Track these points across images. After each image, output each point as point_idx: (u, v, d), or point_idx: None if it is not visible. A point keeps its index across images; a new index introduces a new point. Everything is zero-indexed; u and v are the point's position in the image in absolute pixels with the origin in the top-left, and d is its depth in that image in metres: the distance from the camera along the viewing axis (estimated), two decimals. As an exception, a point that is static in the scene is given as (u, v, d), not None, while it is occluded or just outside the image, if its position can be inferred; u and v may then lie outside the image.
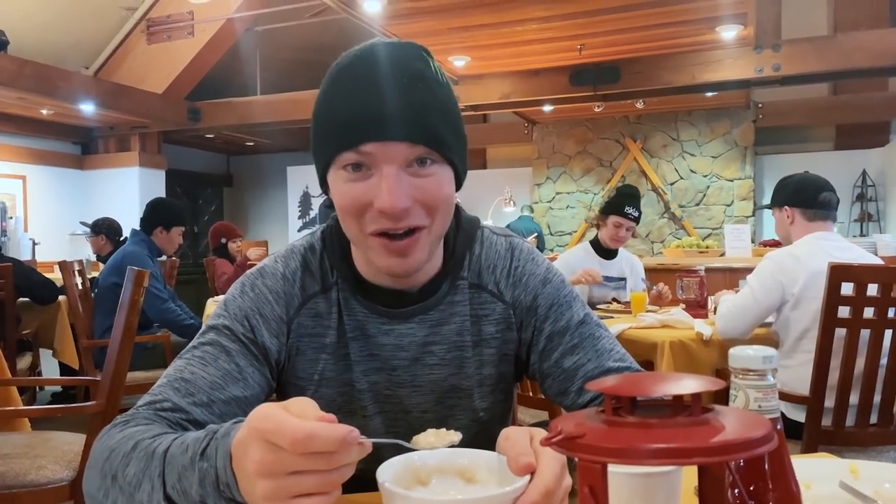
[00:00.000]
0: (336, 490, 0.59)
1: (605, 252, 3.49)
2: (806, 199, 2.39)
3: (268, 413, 0.58)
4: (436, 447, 0.68)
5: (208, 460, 0.65)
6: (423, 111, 0.84)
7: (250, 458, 0.58)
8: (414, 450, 0.69)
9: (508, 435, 0.67)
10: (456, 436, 0.69)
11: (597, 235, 3.54)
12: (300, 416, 0.58)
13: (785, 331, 2.30)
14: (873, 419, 2.09)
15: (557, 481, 0.62)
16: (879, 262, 2.28)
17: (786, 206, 2.44)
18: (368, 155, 0.83)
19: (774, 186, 2.58)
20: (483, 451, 0.73)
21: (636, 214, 3.38)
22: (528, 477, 0.62)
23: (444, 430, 0.70)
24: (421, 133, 0.83)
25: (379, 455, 0.72)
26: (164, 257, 4.22)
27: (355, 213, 0.86)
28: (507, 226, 8.31)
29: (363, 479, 0.68)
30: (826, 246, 2.27)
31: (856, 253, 2.31)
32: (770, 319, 2.40)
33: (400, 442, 0.68)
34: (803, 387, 2.12)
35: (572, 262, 3.47)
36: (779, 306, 2.30)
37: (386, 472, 0.66)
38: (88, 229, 5.37)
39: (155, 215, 3.94)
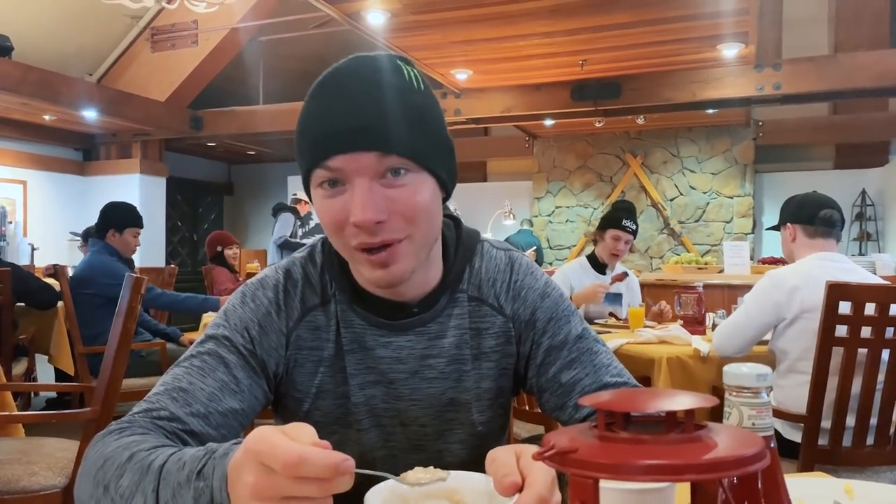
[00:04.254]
0: None
1: (601, 267, 3.52)
2: (807, 216, 2.36)
3: (264, 435, 0.58)
4: (423, 483, 0.67)
5: (205, 480, 0.64)
6: (391, 120, 0.82)
7: (244, 480, 0.58)
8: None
9: (495, 457, 0.66)
10: (444, 473, 0.68)
11: (594, 251, 3.56)
12: (295, 439, 0.58)
13: (782, 350, 2.29)
14: (870, 439, 2.08)
15: (550, 491, 0.61)
16: (886, 282, 2.25)
17: (788, 224, 2.42)
18: (339, 170, 0.83)
19: (782, 205, 2.55)
20: (471, 472, 0.72)
21: (633, 227, 3.40)
22: (515, 497, 0.62)
23: (431, 467, 0.70)
24: (389, 142, 0.82)
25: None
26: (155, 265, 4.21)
27: (336, 228, 0.86)
28: (507, 239, 8.32)
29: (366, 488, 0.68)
30: (829, 267, 2.23)
31: (859, 275, 2.26)
32: (767, 338, 2.39)
33: (388, 476, 0.67)
34: (800, 406, 2.11)
35: (570, 276, 3.49)
36: (774, 325, 2.28)
37: (374, 498, 0.66)
38: (79, 238, 5.36)
39: (105, 219, 3.87)
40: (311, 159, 0.85)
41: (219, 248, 5.35)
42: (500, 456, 0.66)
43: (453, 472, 0.71)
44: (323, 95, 0.86)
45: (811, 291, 2.16)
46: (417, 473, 0.68)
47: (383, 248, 0.85)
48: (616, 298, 3.51)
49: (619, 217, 3.40)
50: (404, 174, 0.84)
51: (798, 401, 2.14)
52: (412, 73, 0.88)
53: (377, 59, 0.87)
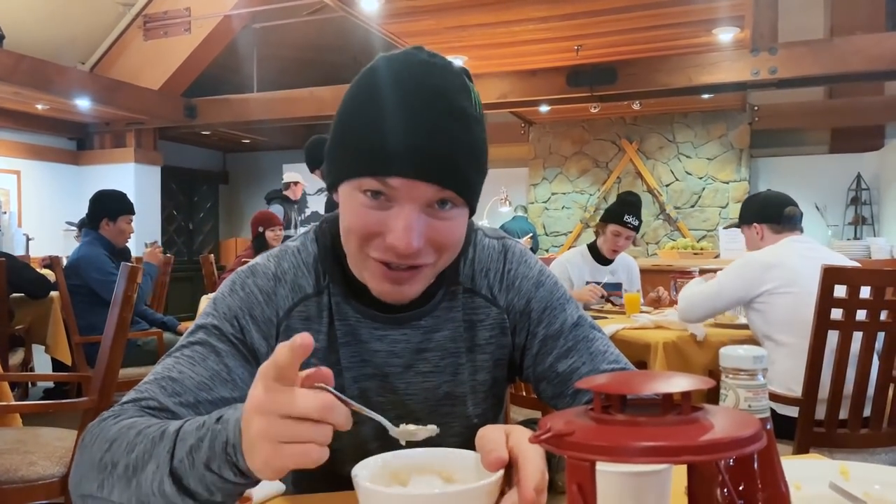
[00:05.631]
0: (325, 448, 0.60)
1: (602, 259, 3.47)
2: (773, 214, 2.54)
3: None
4: (416, 436, 0.69)
5: (223, 423, 0.66)
6: (458, 155, 0.81)
7: (253, 395, 0.61)
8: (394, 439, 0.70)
9: (484, 434, 0.68)
10: (434, 431, 0.70)
11: (595, 241, 3.51)
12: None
13: (764, 327, 2.37)
14: (865, 416, 2.11)
15: (545, 469, 0.63)
16: (855, 264, 2.32)
17: (755, 223, 2.59)
18: (393, 188, 0.80)
19: (741, 206, 2.76)
20: (461, 449, 0.73)
21: (636, 223, 3.33)
22: (500, 472, 0.64)
23: (432, 426, 0.70)
24: (452, 178, 0.81)
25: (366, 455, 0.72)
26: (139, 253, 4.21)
27: (364, 237, 0.84)
28: (502, 226, 8.31)
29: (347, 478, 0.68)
30: (798, 247, 2.40)
31: (824, 254, 2.42)
32: (744, 320, 2.56)
33: (382, 420, 0.68)
34: (786, 378, 2.23)
35: (569, 267, 3.44)
36: (742, 303, 2.44)
37: (362, 472, 0.66)
38: (75, 228, 5.33)
39: (98, 208, 3.85)
40: (366, 168, 0.81)
41: (260, 229, 5.28)
42: (488, 433, 0.67)
43: (444, 449, 0.73)
44: (391, 99, 0.81)
45: (785, 266, 2.31)
46: (409, 426, 0.69)
47: (408, 268, 0.85)
48: (616, 287, 3.50)
49: (621, 212, 3.33)
50: (450, 208, 0.84)
51: (789, 372, 2.21)
52: (475, 97, 0.86)
53: (450, 73, 0.84)
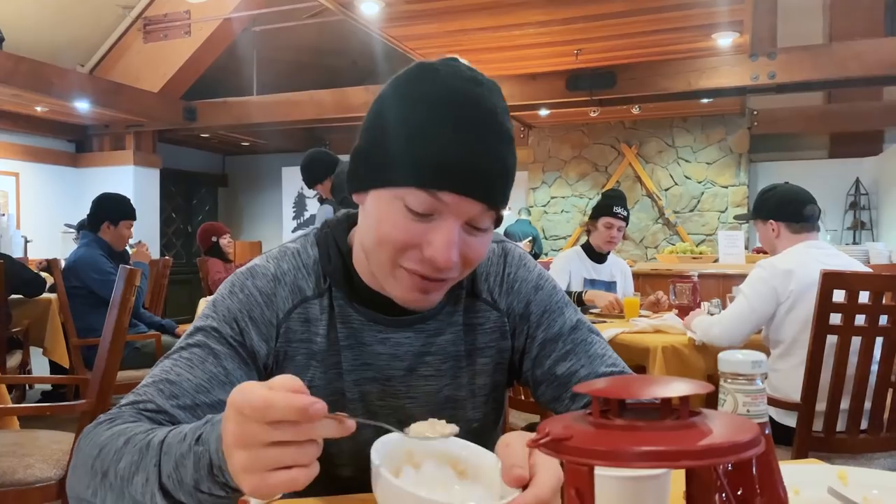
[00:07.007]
0: (313, 465, 0.60)
1: (597, 256, 3.55)
2: (791, 213, 2.38)
3: (243, 387, 0.60)
4: (428, 437, 0.67)
5: (204, 444, 0.65)
6: (504, 176, 0.84)
7: (228, 430, 0.60)
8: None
9: (509, 442, 0.67)
10: (452, 428, 0.69)
11: (587, 240, 3.58)
12: (275, 388, 0.59)
13: (777, 335, 2.31)
14: (863, 426, 2.10)
15: (552, 494, 0.61)
16: (868, 270, 2.29)
17: (771, 220, 2.43)
18: (441, 203, 0.80)
19: (756, 198, 2.57)
20: (483, 449, 0.73)
21: (625, 214, 3.44)
22: (519, 490, 0.63)
23: (442, 421, 0.70)
24: (499, 197, 0.83)
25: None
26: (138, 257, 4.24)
27: (399, 248, 0.83)
28: (505, 231, 8.33)
29: (362, 481, 0.68)
30: (816, 254, 2.30)
31: (843, 260, 2.32)
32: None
33: (391, 427, 0.68)
34: (794, 390, 2.14)
35: (565, 265, 3.51)
36: (774, 311, 2.29)
37: (380, 450, 0.66)
38: (74, 230, 5.33)
39: (100, 211, 3.84)
40: (416, 179, 0.80)
41: (214, 239, 5.30)
42: (514, 443, 0.66)
43: (465, 442, 0.71)
44: (446, 114, 0.81)
45: (804, 274, 2.21)
46: (423, 426, 0.68)
47: (436, 279, 0.85)
48: (611, 287, 3.52)
49: (609, 205, 3.43)
50: (485, 226, 0.85)
51: (790, 386, 2.17)
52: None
53: (493, 91, 0.85)
